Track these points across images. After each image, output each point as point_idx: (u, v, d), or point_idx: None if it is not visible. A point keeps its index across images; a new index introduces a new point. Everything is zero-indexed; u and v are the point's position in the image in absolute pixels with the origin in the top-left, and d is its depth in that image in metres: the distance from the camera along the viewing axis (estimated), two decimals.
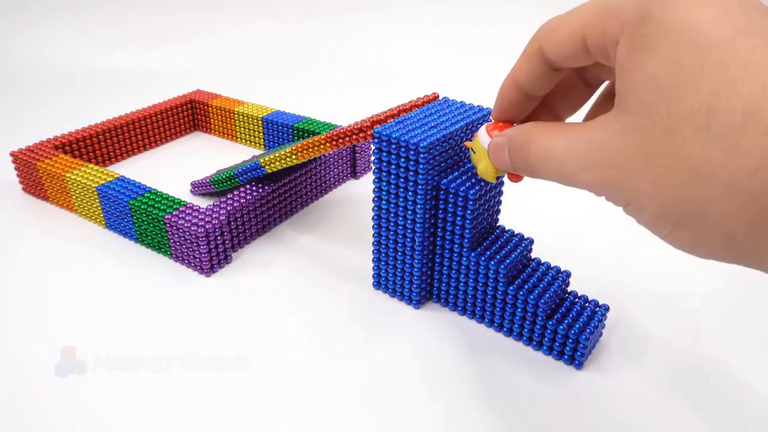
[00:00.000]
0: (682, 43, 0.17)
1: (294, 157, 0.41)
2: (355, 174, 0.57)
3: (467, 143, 0.31)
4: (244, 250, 0.45)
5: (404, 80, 0.92)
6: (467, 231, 0.34)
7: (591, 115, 0.27)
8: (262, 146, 0.63)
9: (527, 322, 0.34)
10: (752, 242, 0.17)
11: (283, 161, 0.43)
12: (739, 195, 0.16)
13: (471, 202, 0.32)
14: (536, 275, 0.35)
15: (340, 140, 0.38)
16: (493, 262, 0.34)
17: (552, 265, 0.36)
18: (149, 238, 0.44)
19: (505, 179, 0.37)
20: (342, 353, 0.35)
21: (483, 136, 0.29)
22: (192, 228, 0.40)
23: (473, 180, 0.34)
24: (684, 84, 0.17)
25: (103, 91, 0.86)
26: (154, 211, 0.42)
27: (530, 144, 0.24)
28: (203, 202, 0.52)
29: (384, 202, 0.35)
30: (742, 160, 0.16)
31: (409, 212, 0.34)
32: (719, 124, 0.16)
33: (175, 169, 0.58)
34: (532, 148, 0.24)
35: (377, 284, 0.40)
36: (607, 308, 0.35)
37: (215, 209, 0.42)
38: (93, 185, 0.46)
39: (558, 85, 0.28)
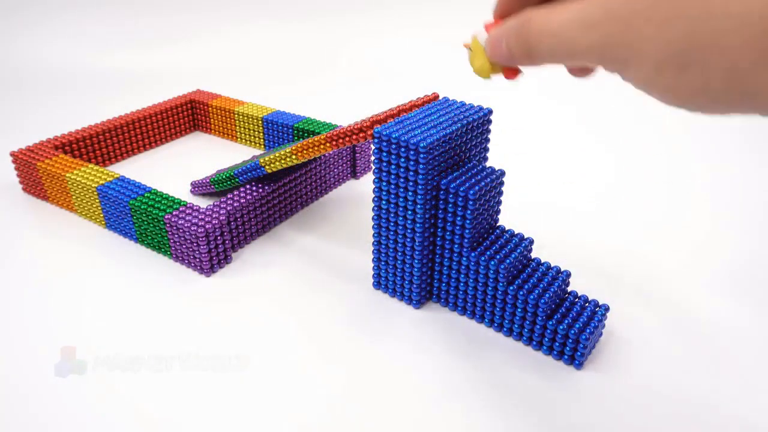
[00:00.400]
0: None
1: (294, 157, 0.41)
2: (355, 174, 0.57)
3: (465, 44, 0.30)
4: (244, 250, 0.45)
5: (404, 80, 0.92)
6: (467, 231, 0.34)
7: None
8: (262, 146, 0.63)
9: (527, 322, 0.34)
10: (757, 73, 0.17)
11: (283, 161, 0.43)
12: (751, 28, 0.17)
13: (471, 202, 0.32)
14: (536, 275, 0.35)
15: (340, 140, 0.38)
16: (493, 262, 0.34)
17: (552, 265, 0.36)
18: (149, 238, 0.44)
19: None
20: (342, 353, 0.35)
21: (481, 33, 0.29)
22: (192, 228, 0.40)
23: (473, 180, 0.34)
24: None
25: (103, 91, 0.86)
26: (154, 211, 0.42)
27: (530, 21, 0.24)
28: (203, 202, 0.52)
29: (384, 202, 0.35)
30: None
31: (409, 212, 0.34)
32: None
33: (175, 169, 0.58)
34: (532, 25, 0.24)
35: (377, 284, 0.40)
36: (607, 308, 0.35)
37: (215, 209, 0.42)
38: (93, 185, 0.46)
39: None
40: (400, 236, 0.36)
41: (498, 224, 0.37)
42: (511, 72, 0.29)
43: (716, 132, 0.68)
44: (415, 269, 0.36)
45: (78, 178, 0.46)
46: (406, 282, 0.37)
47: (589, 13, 0.21)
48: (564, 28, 0.22)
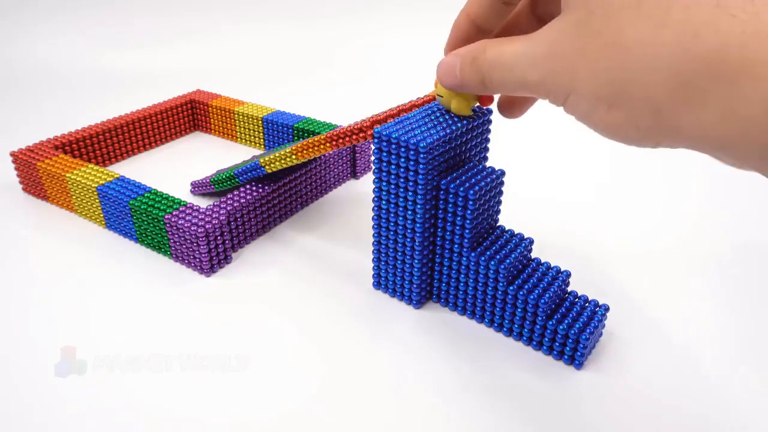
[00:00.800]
0: None
1: (294, 157, 0.41)
2: (355, 174, 0.57)
3: (434, 93, 0.33)
4: (244, 250, 0.45)
5: (404, 80, 0.92)
6: (467, 231, 0.34)
7: None
8: (262, 146, 0.63)
9: (527, 322, 0.34)
10: (674, 110, 0.19)
11: (283, 161, 0.43)
12: (663, 67, 0.18)
13: (471, 202, 0.32)
14: (536, 275, 0.35)
15: (340, 140, 0.38)
16: (493, 262, 0.34)
17: (552, 265, 0.36)
18: (149, 238, 0.44)
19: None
20: (342, 353, 0.35)
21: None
22: (192, 228, 0.40)
23: (473, 180, 0.34)
24: None
25: (103, 91, 0.86)
26: (154, 211, 0.42)
27: (484, 51, 0.26)
28: (203, 202, 0.52)
29: (384, 202, 0.35)
30: (666, 35, 0.18)
31: (409, 212, 0.34)
32: (648, 4, 0.19)
33: (175, 169, 0.58)
34: (486, 55, 0.26)
35: (377, 284, 0.40)
36: (607, 308, 0.35)
37: (215, 209, 0.42)
38: (93, 185, 0.46)
39: (511, 20, 0.29)
40: (400, 236, 0.36)
41: (498, 224, 0.37)
42: (487, 99, 0.32)
43: None
44: (415, 269, 0.36)
45: (78, 178, 0.46)
46: (406, 282, 0.37)
47: (536, 50, 0.23)
48: (514, 63, 0.24)
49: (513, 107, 0.32)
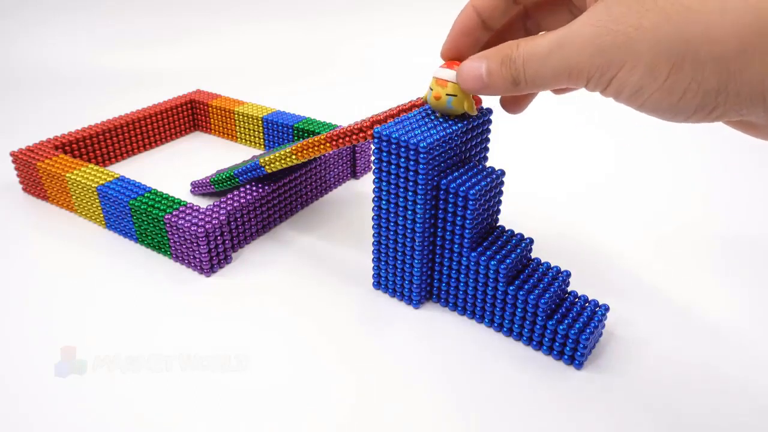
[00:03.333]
0: None
1: (294, 157, 0.41)
2: (355, 174, 0.57)
3: (436, 94, 0.32)
4: (244, 250, 0.45)
5: (404, 80, 0.92)
6: (467, 231, 0.34)
7: None
8: (262, 146, 0.63)
9: (527, 322, 0.34)
10: (739, 59, 0.19)
11: (283, 161, 0.43)
12: (728, 19, 0.19)
13: (471, 202, 0.32)
14: (536, 275, 0.35)
15: (340, 140, 0.38)
16: (493, 262, 0.34)
17: (552, 265, 0.36)
18: (149, 238, 0.44)
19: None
20: (342, 353, 0.35)
21: (448, 72, 0.30)
22: (192, 228, 0.40)
23: (473, 180, 0.34)
24: None
25: (103, 91, 0.86)
26: (154, 211, 0.42)
27: (518, 46, 0.25)
28: (203, 202, 0.52)
29: (384, 202, 0.35)
30: None
31: (409, 212, 0.34)
32: None
33: (175, 169, 0.58)
34: (519, 50, 0.25)
35: (377, 284, 0.40)
36: (607, 308, 0.35)
37: (215, 209, 0.42)
38: (93, 185, 0.46)
39: (504, 29, 0.30)
40: (400, 236, 0.36)
41: (498, 224, 0.37)
42: (477, 100, 0.32)
43: (718, 129, 0.68)
44: (415, 269, 0.36)
45: (78, 178, 0.46)
46: (406, 282, 0.37)
47: (577, 33, 0.22)
48: (554, 48, 0.23)
49: (517, 102, 0.31)
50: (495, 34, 0.30)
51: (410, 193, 0.33)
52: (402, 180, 0.33)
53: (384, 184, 0.34)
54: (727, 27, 0.19)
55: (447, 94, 0.32)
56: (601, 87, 0.23)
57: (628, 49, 0.21)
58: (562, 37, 0.23)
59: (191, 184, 0.53)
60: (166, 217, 0.41)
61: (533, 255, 0.42)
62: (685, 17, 0.20)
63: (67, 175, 0.47)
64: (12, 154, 0.51)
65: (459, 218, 0.33)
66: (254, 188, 0.46)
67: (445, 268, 0.36)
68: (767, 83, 0.19)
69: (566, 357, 0.33)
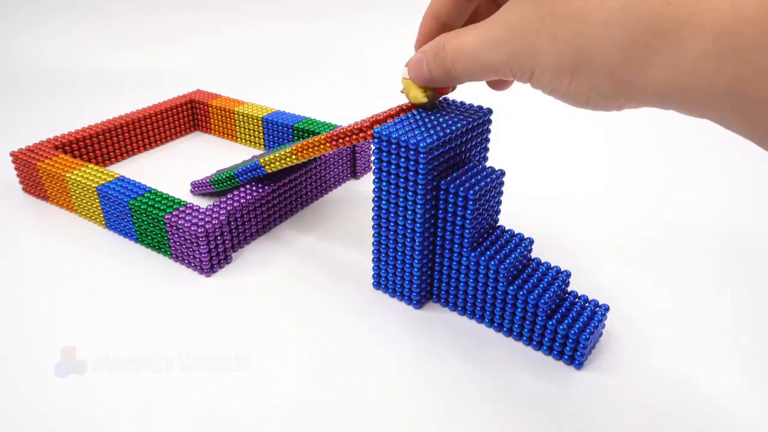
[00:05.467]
0: None
1: (294, 157, 0.41)
2: (355, 174, 0.57)
3: (401, 90, 0.34)
4: (244, 250, 0.45)
5: None
6: (467, 231, 0.34)
7: None
8: (262, 146, 0.63)
9: (527, 322, 0.34)
10: (628, 71, 0.20)
11: (283, 161, 0.43)
12: (613, 29, 0.20)
13: (471, 202, 0.32)
14: (536, 275, 0.35)
15: (340, 140, 0.38)
16: (493, 262, 0.34)
17: (552, 265, 0.36)
18: (149, 238, 0.44)
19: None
20: (342, 353, 0.35)
21: (405, 70, 0.32)
22: (192, 228, 0.40)
23: (473, 180, 0.34)
24: None
25: (103, 91, 0.86)
26: (154, 211, 0.42)
27: (444, 46, 0.27)
28: (203, 202, 0.52)
29: (384, 202, 0.35)
30: (612, 2, 0.20)
31: (409, 212, 0.34)
32: None
33: (175, 169, 0.58)
34: (447, 50, 0.27)
35: (377, 284, 0.40)
36: (607, 308, 0.35)
37: (215, 209, 0.42)
38: (93, 185, 0.46)
39: (473, 13, 0.31)
40: (400, 236, 0.36)
41: (498, 224, 0.37)
42: (442, 89, 0.33)
43: (717, 128, 0.68)
44: (415, 269, 0.36)
45: (78, 178, 0.46)
46: (406, 282, 0.37)
47: (495, 34, 0.24)
48: (476, 50, 0.25)
49: (498, 83, 0.33)
50: (469, 20, 0.31)
51: (410, 193, 0.33)
52: (402, 180, 0.33)
53: (384, 184, 0.34)
54: (610, 38, 0.20)
55: (402, 92, 0.34)
56: (525, 82, 0.24)
57: (534, 57, 0.23)
58: (481, 36, 0.25)
59: (191, 184, 0.53)
60: (166, 217, 0.41)
61: (533, 255, 0.42)
62: (576, 27, 0.21)
63: (67, 175, 0.47)
64: (12, 154, 0.51)
65: (459, 218, 0.33)
66: (254, 188, 0.46)
67: (445, 268, 0.36)
68: (664, 88, 0.20)
69: (566, 357, 0.33)
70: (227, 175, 0.48)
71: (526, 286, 0.34)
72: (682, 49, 0.19)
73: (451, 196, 0.33)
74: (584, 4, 0.21)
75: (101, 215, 0.47)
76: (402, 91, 0.34)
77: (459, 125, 0.33)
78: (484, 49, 0.25)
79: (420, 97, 0.33)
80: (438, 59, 0.28)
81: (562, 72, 0.22)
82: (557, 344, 0.33)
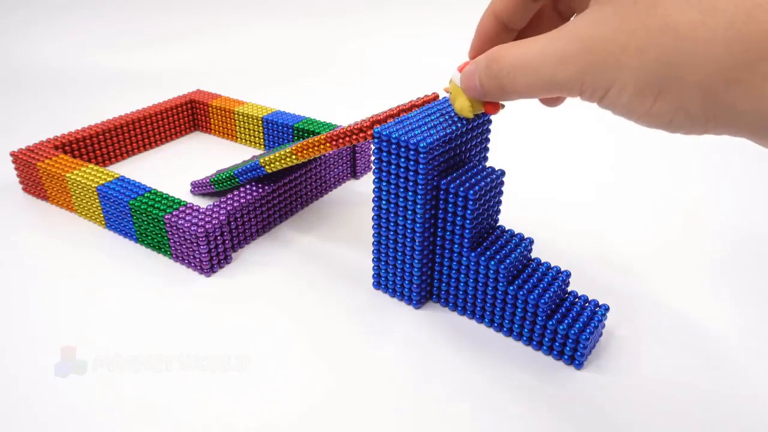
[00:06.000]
0: None
1: (294, 157, 0.41)
2: (355, 174, 0.57)
3: (445, 88, 0.32)
4: (244, 250, 0.45)
5: (404, 80, 0.92)
6: (467, 231, 0.34)
7: None
8: (262, 146, 0.63)
9: (527, 322, 0.34)
10: (728, 92, 0.19)
11: (283, 161, 0.43)
12: (717, 48, 0.18)
13: (471, 202, 0.32)
14: (536, 275, 0.35)
15: (340, 140, 0.38)
16: (493, 262, 0.34)
17: (552, 265, 0.36)
18: (149, 238, 0.44)
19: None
20: (342, 353, 0.35)
21: (457, 75, 0.30)
22: (192, 228, 0.40)
23: (473, 180, 0.34)
24: None
25: (103, 91, 0.86)
26: (154, 211, 0.42)
27: (501, 58, 0.25)
28: (203, 202, 0.52)
29: (384, 202, 0.35)
30: (718, 18, 0.18)
31: (409, 212, 0.34)
32: None
33: (175, 169, 0.58)
34: (503, 62, 0.25)
35: (377, 284, 0.40)
36: (607, 308, 0.35)
37: (215, 209, 0.42)
38: (93, 185, 0.46)
39: (534, 19, 0.29)
40: (400, 236, 0.36)
41: (498, 224, 0.37)
42: (493, 106, 0.30)
43: None
44: (415, 269, 0.36)
45: (78, 178, 0.46)
46: (406, 282, 0.37)
47: (565, 47, 0.22)
48: (541, 61, 0.23)
49: (552, 99, 0.31)
50: (527, 27, 0.29)
51: (410, 193, 0.33)
52: (402, 180, 0.33)
53: (384, 184, 0.34)
54: (712, 57, 0.18)
55: (447, 90, 0.32)
56: (595, 101, 0.22)
57: (616, 72, 0.20)
58: (549, 48, 0.22)
59: (191, 184, 0.53)
60: (166, 217, 0.41)
61: (533, 255, 0.42)
62: (672, 43, 0.19)
63: (67, 175, 0.47)
64: (12, 154, 0.51)
65: (459, 218, 0.33)
66: (254, 188, 0.46)
67: (445, 268, 0.36)
68: (763, 111, 0.18)
69: (566, 357, 0.33)
70: (227, 175, 0.48)
71: (526, 286, 0.34)
72: None
73: (451, 196, 0.33)
74: (684, 18, 0.19)
75: (101, 215, 0.47)
76: (446, 90, 0.32)
77: (459, 125, 0.33)
78: (551, 63, 0.22)
79: (466, 109, 0.30)
80: (491, 71, 0.25)
81: (646, 91, 0.20)
82: (557, 344, 0.33)
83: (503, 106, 0.30)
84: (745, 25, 0.18)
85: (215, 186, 0.50)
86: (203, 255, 0.40)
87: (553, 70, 0.22)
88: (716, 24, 0.18)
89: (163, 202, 0.43)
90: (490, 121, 0.36)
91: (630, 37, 0.20)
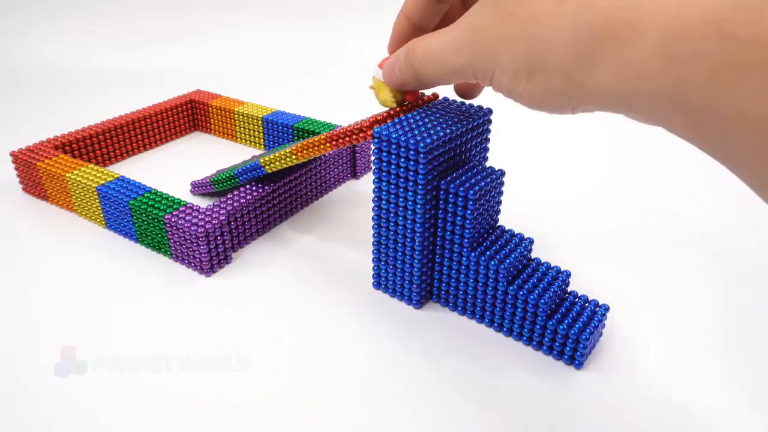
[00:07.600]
0: None
1: (294, 157, 0.41)
2: (355, 174, 0.57)
3: (370, 86, 0.35)
4: (244, 250, 0.45)
5: None
6: (467, 231, 0.34)
7: None
8: (262, 146, 0.63)
9: (527, 322, 0.34)
10: (580, 73, 0.21)
11: (283, 161, 0.43)
12: (566, 33, 0.21)
13: (471, 202, 0.32)
14: (536, 275, 0.35)
15: (340, 140, 0.38)
16: (493, 262, 0.34)
17: (552, 265, 0.36)
18: (149, 238, 0.44)
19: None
20: (342, 353, 0.35)
21: (377, 71, 0.33)
22: (192, 228, 0.40)
23: (473, 180, 0.34)
24: None
25: (103, 91, 0.86)
26: (154, 211, 0.42)
27: (414, 48, 0.28)
28: (203, 202, 0.52)
29: (384, 202, 0.35)
30: (567, 6, 0.21)
31: (409, 212, 0.34)
32: None
33: (175, 169, 0.58)
34: (416, 52, 0.28)
35: (377, 284, 0.40)
36: (607, 308, 0.35)
37: (215, 209, 0.42)
38: (93, 185, 0.46)
39: (445, 18, 0.32)
40: (400, 236, 0.36)
41: (498, 224, 0.37)
42: (411, 94, 0.34)
43: None
44: (415, 269, 0.36)
45: (78, 178, 0.46)
46: (406, 282, 0.37)
47: (459, 36, 0.25)
48: (442, 52, 0.26)
49: (465, 91, 0.34)
50: (440, 23, 0.32)
51: (410, 194, 0.33)
52: (402, 180, 0.33)
53: (384, 184, 0.34)
54: (563, 41, 0.21)
55: (372, 88, 0.35)
56: (487, 84, 0.25)
57: (495, 58, 0.23)
58: (446, 40, 0.26)
59: (191, 184, 0.53)
60: (166, 217, 0.41)
61: (533, 255, 0.42)
62: (533, 30, 0.22)
63: (67, 175, 0.47)
64: (12, 154, 0.51)
65: (459, 218, 0.33)
66: (254, 188, 0.46)
67: (445, 268, 0.36)
68: (613, 91, 0.20)
69: (566, 357, 0.33)
70: (227, 175, 0.48)
71: (526, 286, 0.34)
72: (627, 51, 0.19)
73: (451, 196, 0.33)
74: (542, 7, 0.21)
75: (101, 215, 0.47)
76: (370, 87, 0.35)
77: (459, 125, 0.33)
78: (448, 52, 0.26)
79: (389, 100, 0.34)
80: (408, 62, 0.29)
81: (520, 74, 0.23)
82: (557, 344, 0.33)
83: (419, 94, 0.34)
84: (588, 12, 0.20)
85: (215, 186, 0.50)
86: (203, 255, 0.40)
87: (451, 58, 0.26)
88: (565, 11, 0.21)
89: (163, 202, 0.43)
90: (490, 121, 0.36)
91: (502, 25, 0.23)
